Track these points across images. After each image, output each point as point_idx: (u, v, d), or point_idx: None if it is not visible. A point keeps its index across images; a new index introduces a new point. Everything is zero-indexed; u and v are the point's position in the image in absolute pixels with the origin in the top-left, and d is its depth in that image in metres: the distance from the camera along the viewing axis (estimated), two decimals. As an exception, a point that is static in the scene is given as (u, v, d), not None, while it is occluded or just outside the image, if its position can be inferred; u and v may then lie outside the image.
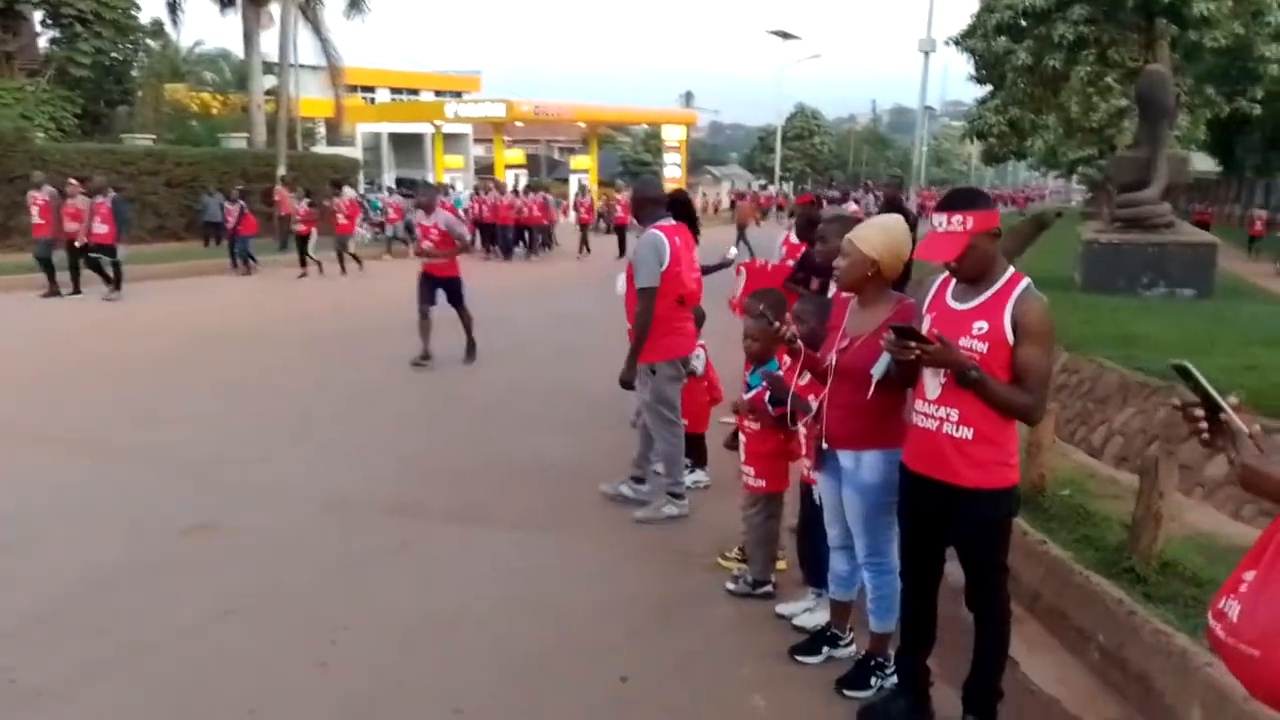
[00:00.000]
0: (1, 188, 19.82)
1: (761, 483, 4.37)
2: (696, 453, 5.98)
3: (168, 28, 32.03)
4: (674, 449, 5.41)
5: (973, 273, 2.99)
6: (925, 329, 2.99)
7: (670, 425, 5.37)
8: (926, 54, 26.46)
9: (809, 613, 4.07)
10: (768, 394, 4.28)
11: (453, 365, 9.74)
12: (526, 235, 23.87)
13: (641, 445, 5.65)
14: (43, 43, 27.49)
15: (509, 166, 42.86)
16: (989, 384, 2.87)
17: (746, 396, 4.37)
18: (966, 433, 2.95)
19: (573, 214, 27.54)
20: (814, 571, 4.11)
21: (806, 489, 4.02)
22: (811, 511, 3.98)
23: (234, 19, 27.73)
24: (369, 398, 8.47)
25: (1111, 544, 4.28)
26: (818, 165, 69.09)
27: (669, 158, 44.82)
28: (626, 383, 5.33)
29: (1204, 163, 34.18)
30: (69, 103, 25.91)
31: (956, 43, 27.21)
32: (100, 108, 28.62)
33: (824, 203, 9.49)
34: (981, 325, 2.93)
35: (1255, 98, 21.97)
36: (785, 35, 49.00)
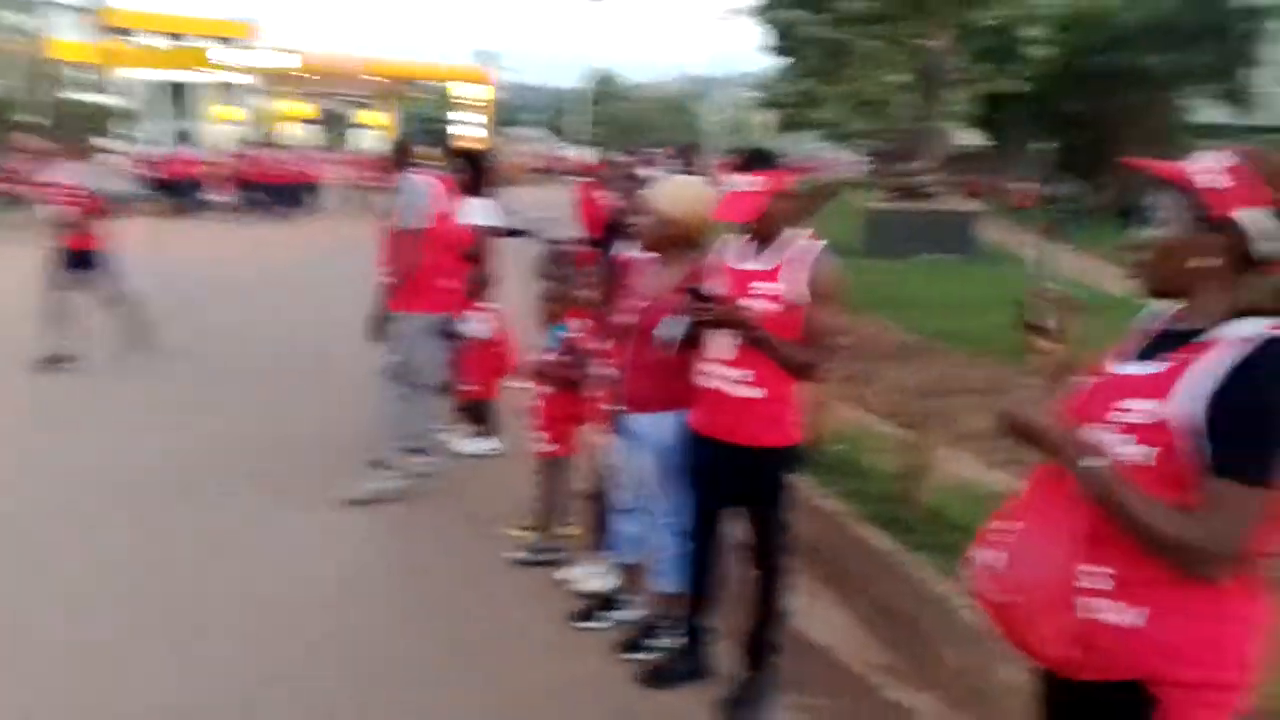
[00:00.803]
0: None
1: (553, 447, 4.29)
2: (487, 420, 5.83)
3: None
4: (407, 413, 5.12)
5: (767, 234, 3.02)
6: (720, 290, 2.99)
7: (408, 389, 5.11)
8: (727, 23, 27.04)
9: (596, 578, 4.04)
10: (560, 356, 4.20)
11: (206, 336, 9.00)
12: (292, 194, 22.40)
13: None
14: None
15: (295, 120, 40.57)
16: (778, 344, 2.91)
17: (540, 359, 4.28)
18: (756, 393, 2.98)
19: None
20: (604, 536, 4.08)
21: (599, 453, 3.98)
22: (603, 475, 3.95)
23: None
24: (113, 375, 7.64)
25: (883, 496, 4.50)
26: (621, 130, 69.51)
27: (469, 117, 43.77)
28: (375, 330, 5.08)
29: (973, 137, 36.73)
30: None
31: (755, 13, 27.94)
32: None
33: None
34: (774, 286, 2.96)
35: (1021, 76, 23.73)
36: (588, -3, 48.75)
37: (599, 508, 4.10)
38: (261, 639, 3.62)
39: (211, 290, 11.66)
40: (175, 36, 45.80)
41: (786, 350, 2.93)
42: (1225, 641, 1.58)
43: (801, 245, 3.00)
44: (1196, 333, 1.59)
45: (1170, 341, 1.63)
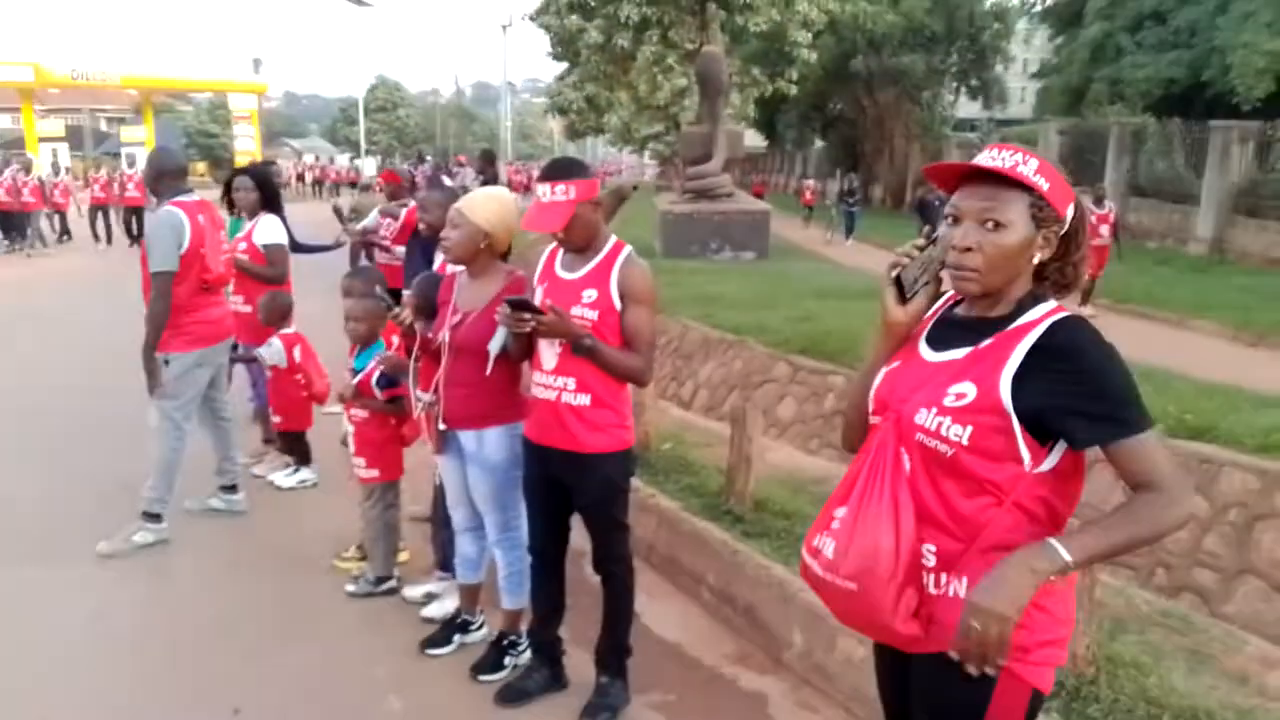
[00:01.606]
0: None
1: (375, 473, 4.13)
2: (299, 450, 5.54)
3: None
4: (172, 456, 4.65)
5: (579, 242, 3.01)
6: (538, 300, 2.97)
7: (175, 429, 4.66)
8: (505, 28, 26.98)
9: (437, 602, 3.93)
10: (375, 377, 4.06)
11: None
12: (15, 225, 18.69)
13: (219, 449, 5.05)
14: None
15: (45, 140, 37.03)
16: (602, 350, 2.92)
17: (353, 382, 4.11)
18: (584, 399, 2.98)
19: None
20: (447, 556, 3.97)
21: (433, 473, 3.87)
22: (441, 495, 3.85)
23: None
24: None
25: (712, 489, 4.62)
26: (405, 138, 68.03)
27: (240, 129, 41.37)
28: (149, 377, 4.54)
29: (753, 138, 38.39)
30: None
31: (532, 19, 28.01)
32: None
33: (415, 179, 9.14)
34: (591, 293, 2.97)
35: (791, 79, 24.99)
36: (359, 3, 47.22)
37: (436, 529, 3.99)
38: (62, 702, 3.30)
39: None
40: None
41: (613, 356, 2.95)
42: (1046, 602, 1.68)
43: (610, 250, 3.03)
44: (996, 320, 1.71)
45: (967, 328, 1.75)
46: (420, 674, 3.50)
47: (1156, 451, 1.62)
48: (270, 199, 5.73)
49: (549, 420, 3.04)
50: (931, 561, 1.72)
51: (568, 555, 3.32)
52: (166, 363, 4.58)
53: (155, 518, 4.64)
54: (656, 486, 4.73)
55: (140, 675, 3.52)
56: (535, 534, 3.28)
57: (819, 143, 39.45)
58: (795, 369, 7.97)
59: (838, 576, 1.73)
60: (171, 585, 4.30)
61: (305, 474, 5.51)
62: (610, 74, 26.50)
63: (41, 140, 36.05)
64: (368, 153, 51.67)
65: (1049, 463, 1.66)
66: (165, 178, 4.72)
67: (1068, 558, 1.57)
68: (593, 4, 23.31)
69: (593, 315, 2.94)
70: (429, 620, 3.84)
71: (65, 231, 20.81)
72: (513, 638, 3.50)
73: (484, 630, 3.69)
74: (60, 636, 3.80)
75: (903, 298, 1.84)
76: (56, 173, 22.32)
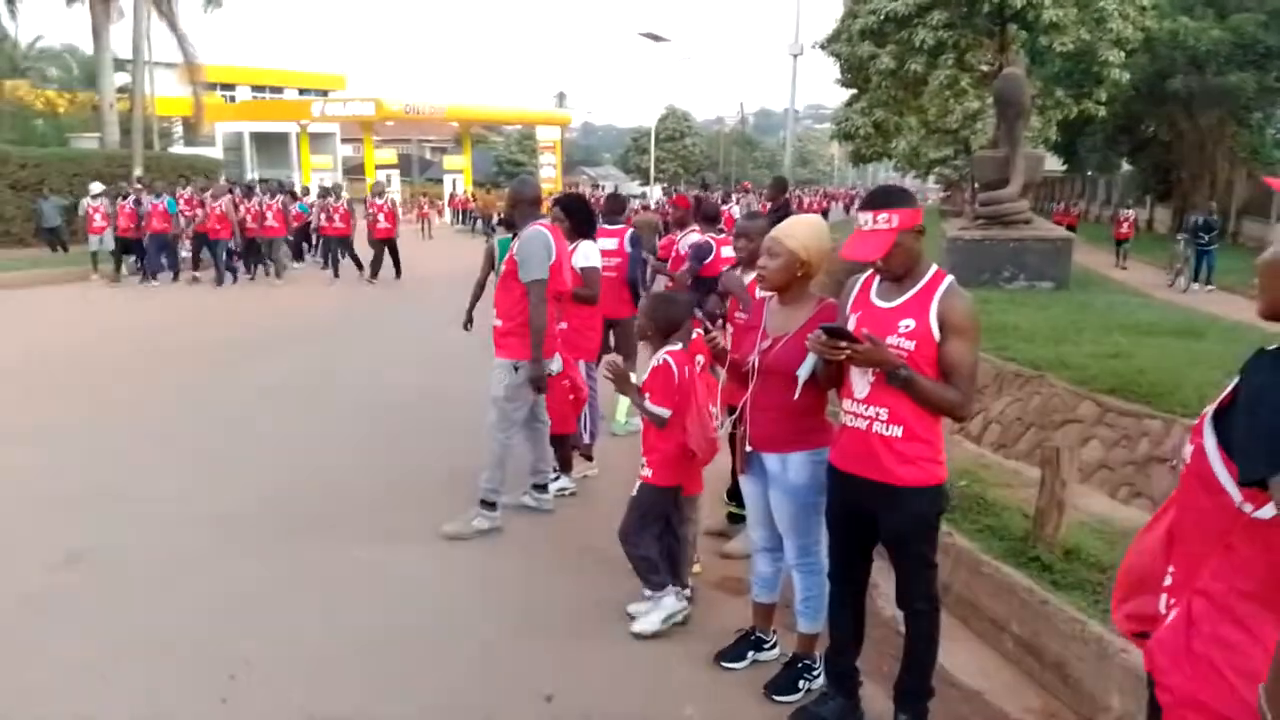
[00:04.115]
0: None
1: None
2: (560, 456, 5.81)
3: (3, 20, 30.04)
4: (504, 452, 5.15)
5: (899, 270, 2.98)
6: (852, 328, 2.97)
7: (510, 427, 5.15)
8: (795, 57, 27.17)
9: (644, 617, 4.01)
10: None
11: (342, 371, 9.32)
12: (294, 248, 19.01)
13: (534, 450, 5.47)
14: None
15: (380, 166, 41.86)
16: (918, 381, 2.86)
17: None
18: (897, 430, 2.94)
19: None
20: (645, 571, 4.04)
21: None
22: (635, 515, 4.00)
23: (81, 12, 25.85)
24: (251, 411, 7.97)
25: (1015, 533, 4.39)
26: (690, 166, 70.05)
27: (544, 158, 44.47)
28: (537, 382, 5.06)
29: (1051, 162, 36.10)
30: (-110, 98, 23.93)
31: (822, 47, 28.02)
32: (-73, 104, 26.51)
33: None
34: (909, 323, 2.92)
35: (1099, 100, 23.28)
36: (655, 38, 49.33)
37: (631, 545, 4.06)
38: (382, 685, 3.65)
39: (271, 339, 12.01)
40: (275, 90, 48.08)
41: (929, 388, 2.88)
42: (1230, 673, 1.57)
43: (932, 279, 2.96)
44: None
45: None
46: (715, 685, 3.60)
47: None
48: (581, 226, 6.12)
49: (858, 449, 3.01)
50: (1168, 581, 1.76)
51: (868, 587, 3.30)
52: (516, 369, 5.05)
53: (491, 506, 5.15)
54: (953, 525, 4.56)
55: (463, 655, 3.86)
56: (836, 562, 3.27)
57: (1125, 167, 36.38)
58: (1103, 410, 7.39)
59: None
60: (489, 573, 4.68)
61: (564, 482, 5.77)
62: (900, 99, 25.93)
63: (378, 167, 40.74)
64: (656, 179, 53.75)
65: (1269, 510, 1.50)
66: (522, 205, 5.23)
67: None
68: (887, 30, 22.91)
69: (909, 345, 2.89)
70: (638, 635, 3.94)
71: (302, 252, 20.83)
72: (807, 661, 3.52)
73: (777, 649, 3.73)
74: (395, 612, 4.25)
75: None
76: (325, 195, 20.31)
